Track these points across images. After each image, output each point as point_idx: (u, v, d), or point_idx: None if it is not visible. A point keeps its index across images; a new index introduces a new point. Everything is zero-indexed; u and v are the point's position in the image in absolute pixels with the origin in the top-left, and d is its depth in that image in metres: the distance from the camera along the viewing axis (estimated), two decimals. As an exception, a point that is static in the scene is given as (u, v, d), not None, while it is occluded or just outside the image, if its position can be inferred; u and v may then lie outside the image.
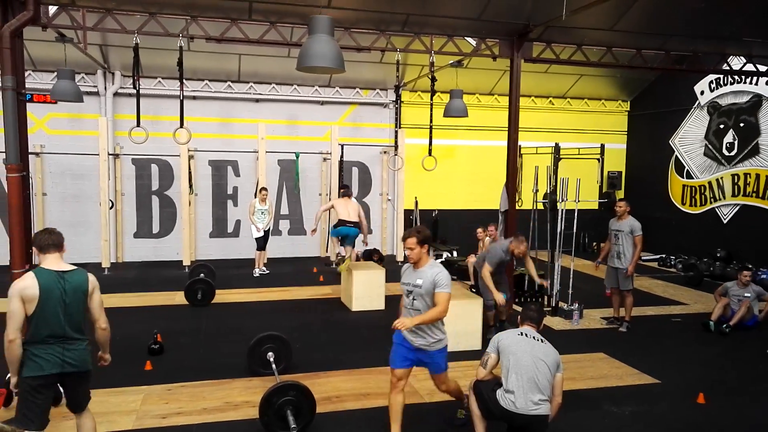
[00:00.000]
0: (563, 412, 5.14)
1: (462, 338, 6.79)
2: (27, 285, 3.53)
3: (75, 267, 3.75)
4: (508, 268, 7.72)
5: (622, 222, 7.67)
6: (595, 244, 13.86)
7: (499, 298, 6.90)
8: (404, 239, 4.39)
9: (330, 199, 12.25)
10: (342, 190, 9.86)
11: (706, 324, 7.78)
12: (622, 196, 14.58)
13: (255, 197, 11.10)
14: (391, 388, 4.49)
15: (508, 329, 4.55)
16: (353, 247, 9.24)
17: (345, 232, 8.92)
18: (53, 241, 3.73)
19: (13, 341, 3.49)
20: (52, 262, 3.68)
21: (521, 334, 4.27)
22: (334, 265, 10.04)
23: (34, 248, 3.78)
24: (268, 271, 11.14)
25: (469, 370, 6.18)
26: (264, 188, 11.06)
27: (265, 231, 10.99)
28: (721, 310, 7.84)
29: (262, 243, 11.03)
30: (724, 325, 7.68)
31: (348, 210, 8.99)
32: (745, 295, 7.88)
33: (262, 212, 10.92)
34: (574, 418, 5.07)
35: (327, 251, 12.42)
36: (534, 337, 4.25)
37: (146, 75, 11.47)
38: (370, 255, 10.76)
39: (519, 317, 4.55)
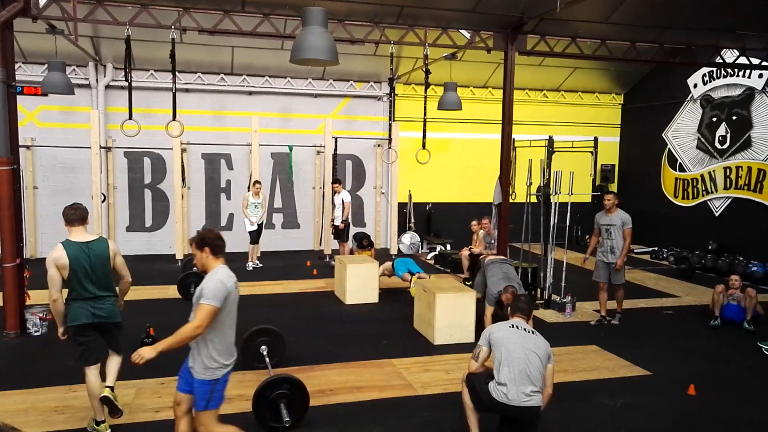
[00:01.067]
0: (556, 404, 5.17)
1: (456, 330, 6.83)
2: (59, 255, 4.29)
3: (98, 236, 4.52)
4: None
5: (612, 216, 7.57)
6: (587, 237, 13.86)
7: None
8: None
9: (324, 193, 12.26)
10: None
11: (714, 326, 7.77)
12: (615, 190, 14.63)
13: (248, 190, 11.06)
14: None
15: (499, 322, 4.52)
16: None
17: None
18: (78, 215, 4.50)
19: (56, 300, 4.33)
20: (77, 234, 4.44)
21: (512, 326, 4.26)
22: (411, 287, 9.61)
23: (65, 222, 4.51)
24: (261, 265, 11.11)
25: (463, 362, 6.21)
26: (257, 181, 11.02)
27: (258, 224, 10.96)
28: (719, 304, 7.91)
29: (255, 236, 11.00)
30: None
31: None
32: (739, 294, 7.97)
33: (256, 206, 10.88)
34: (567, 410, 5.10)
35: (320, 245, 12.41)
36: (525, 329, 4.25)
37: (138, 67, 11.37)
38: (360, 240, 10.69)
39: (509, 309, 4.54)
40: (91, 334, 4.46)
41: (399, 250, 12.93)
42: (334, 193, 11.23)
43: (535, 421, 4.10)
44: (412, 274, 8.76)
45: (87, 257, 4.35)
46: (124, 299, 4.89)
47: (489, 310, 6.93)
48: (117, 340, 4.72)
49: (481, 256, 7.30)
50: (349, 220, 11.09)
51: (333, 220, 11.20)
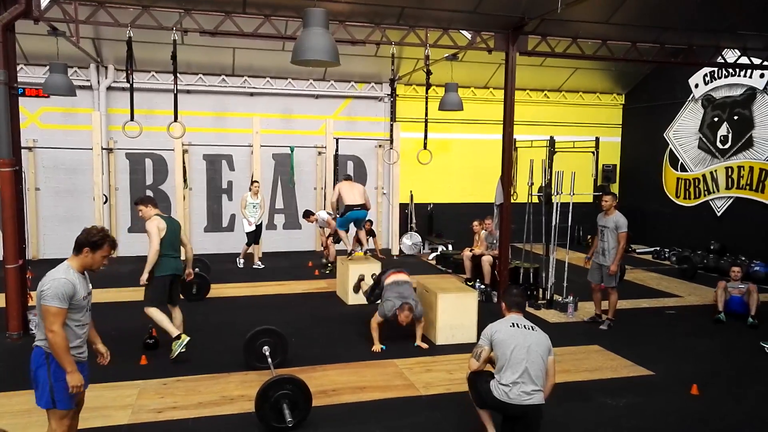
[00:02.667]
0: (558, 404, 5.17)
1: (457, 331, 6.83)
2: (161, 222, 6.08)
3: (170, 216, 6.49)
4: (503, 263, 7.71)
5: (608, 217, 7.49)
6: (589, 237, 13.88)
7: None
8: None
9: (326, 193, 12.25)
10: (345, 175, 9.87)
11: (717, 320, 7.87)
12: (616, 190, 14.63)
13: (249, 191, 11.06)
14: None
15: (499, 320, 4.37)
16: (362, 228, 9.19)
17: (354, 216, 8.87)
18: (154, 202, 6.32)
19: (158, 251, 5.99)
20: (158, 212, 6.25)
21: (513, 325, 4.19)
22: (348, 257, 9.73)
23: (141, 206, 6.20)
24: (263, 266, 11.12)
25: (465, 362, 6.20)
26: (256, 181, 11.02)
27: (257, 225, 10.95)
28: (722, 298, 8.00)
29: (253, 237, 10.98)
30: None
31: (354, 193, 8.96)
32: (740, 286, 8.06)
33: (255, 206, 10.86)
34: (569, 410, 5.10)
35: (322, 245, 12.41)
36: (525, 326, 4.20)
37: (140, 69, 11.39)
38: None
39: (504, 303, 4.43)
40: (166, 286, 6.18)
41: (401, 250, 12.94)
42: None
43: (537, 419, 4.09)
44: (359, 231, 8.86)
45: (172, 227, 6.19)
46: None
47: (376, 320, 6.62)
48: (179, 294, 6.51)
49: (383, 275, 6.96)
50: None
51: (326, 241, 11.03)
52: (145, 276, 6.02)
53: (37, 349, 3.49)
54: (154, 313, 6.07)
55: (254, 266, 11.06)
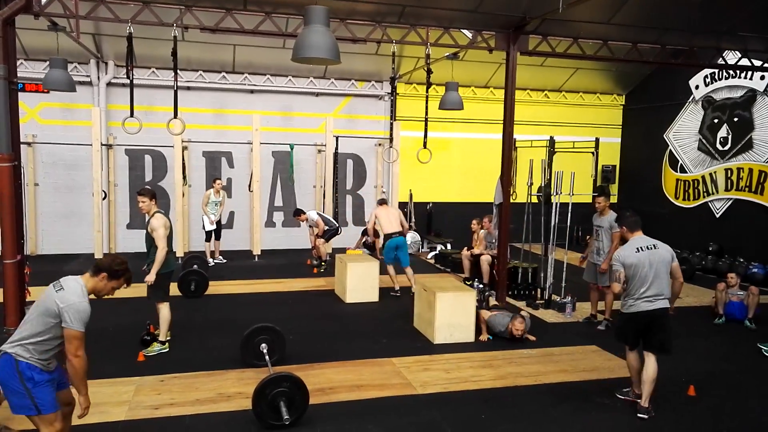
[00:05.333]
0: (555, 404, 5.18)
1: (455, 330, 6.83)
2: (167, 221, 6.17)
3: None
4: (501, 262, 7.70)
5: (603, 218, 7.58)
6: (588, 237, 13.86)
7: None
8: None
9: (325, 192, 12.24)
10: (379, 200, 9.90)
11: (718, 324, 7.91)
12: (616, 191, 14.64)
13: (211, 188, 11.06)
14: None
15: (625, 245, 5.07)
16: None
17: (395, 243, 8.85)
18: (156, 197, 6.49)
19: (168, 251, 6.16)
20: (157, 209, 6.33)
21: (638, 249, 4.91)
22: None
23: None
24: (225, 260, 11.28)
25: (463, 362, 6.22)
26: (218, 179, 11.17)
27: (216, 222, 11.05)
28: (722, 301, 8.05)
29: (209, 236, 11.10)
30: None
31: (390, 219, 8.97)
32: (738, 293, 8.09)
33: (216, 204, 11.00)
34: (567, 411, 5.10)
35: (311, 245, 12.39)
36: (648, 247, 4.94)
37: (140, 65, 11.36)
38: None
39: (624, 227, 5.16)
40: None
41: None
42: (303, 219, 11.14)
43: (663, 320, 4.95)
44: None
45: (170, 227, 6.34)
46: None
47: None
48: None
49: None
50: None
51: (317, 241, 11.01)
52: (153, 276, 6.11)
53: (6, 359, 3.37)
54: (167, 310, 6.30)
55: (215, 261, 11.11)
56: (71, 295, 3.40)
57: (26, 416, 3.47)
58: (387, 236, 8.90)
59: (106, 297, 3.68)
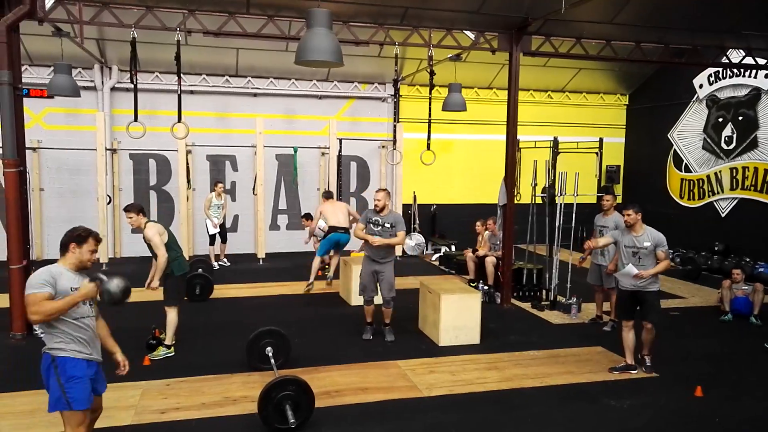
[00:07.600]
0: (561, 405, 5.16)
1: (461, 332, 6.81)
2: (159, 227, 6.16)
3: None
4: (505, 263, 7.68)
5: (607, 218, 7.46)
6: (591, 238, 13.85)
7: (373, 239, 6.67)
8: None
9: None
10: (324, 193, 9.91)
11: (725, 321, 7.95)
12: (620, 191, 14.60)
13: (213, 191, 11.07)
14: None
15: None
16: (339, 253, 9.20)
17: (336, 238, 8.92)
18: (144, 210, 6.37)
19: (167, 257, 6.06)
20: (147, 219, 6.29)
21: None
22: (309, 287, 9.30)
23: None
24: (229, 264, 11.26)
25: (468, 364, 6.21)
26: (219, 182, 11.18)
27: (220, 226, 11.07)
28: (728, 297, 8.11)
29: (214, 239, 11.10)
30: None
31: (337, 213, 8.96)
32: (744, 287, 8.11)
33: (218, 207, 11.01)
34: (573, 412, 5.08)
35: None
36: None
37: (143, 69, 11.42)
38: None
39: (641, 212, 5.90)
40: (184, 284, 6.74)
41: (404, 251, 12.92)
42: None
43: (647, 296, 5.78)
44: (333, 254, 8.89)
45: (170, 231, 6.43)
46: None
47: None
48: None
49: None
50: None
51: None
52: (156, 282, 6.18)
53: (44, 356, 3.51)
54: (175, 314, 6.28)
55: (219, 264, 11.13)
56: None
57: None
58: (332, 228, 8.86)
59: (90, 263, 3.71)
